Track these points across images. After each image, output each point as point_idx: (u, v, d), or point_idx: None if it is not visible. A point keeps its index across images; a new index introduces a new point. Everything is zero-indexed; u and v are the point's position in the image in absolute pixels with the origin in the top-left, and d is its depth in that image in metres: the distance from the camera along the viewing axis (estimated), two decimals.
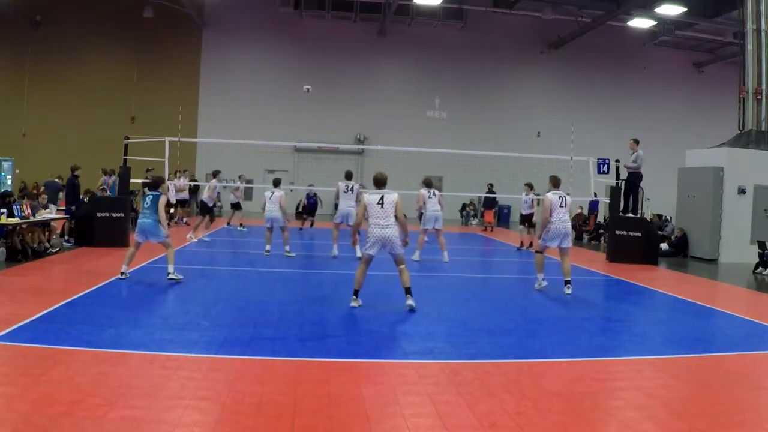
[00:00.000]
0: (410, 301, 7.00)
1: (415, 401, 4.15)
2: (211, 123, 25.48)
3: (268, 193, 11.89)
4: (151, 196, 8.58)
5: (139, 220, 8.62)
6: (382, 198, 7.09)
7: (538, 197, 14.17)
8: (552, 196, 8.73)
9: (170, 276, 8.35)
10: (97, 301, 6.87)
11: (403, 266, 7.14)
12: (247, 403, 3.96)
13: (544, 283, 8.95)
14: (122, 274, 8.36)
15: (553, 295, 9.01)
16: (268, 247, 11.75)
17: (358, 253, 10.04)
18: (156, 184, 8.90)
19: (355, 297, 7.16)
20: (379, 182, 7.27)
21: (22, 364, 4.57)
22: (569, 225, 8.91)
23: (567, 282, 8.74)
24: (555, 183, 8.99)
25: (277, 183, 12.25)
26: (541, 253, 9.01)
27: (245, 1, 25.70)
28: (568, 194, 8.97)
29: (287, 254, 11.58)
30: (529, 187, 14.60)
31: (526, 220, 14.69)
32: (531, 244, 14.15)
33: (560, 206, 8.68)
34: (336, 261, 11.26)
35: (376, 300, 7.60)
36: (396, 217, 7.09)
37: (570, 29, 25.66)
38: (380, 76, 27.44)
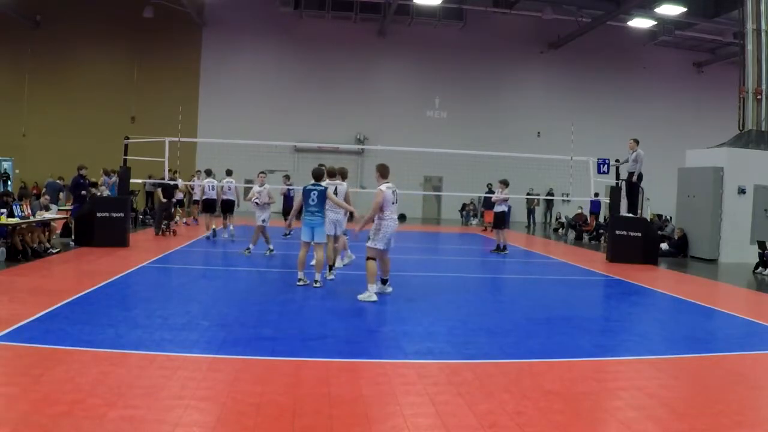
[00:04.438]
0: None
1: (415, 401, 4.15)
2: (211, 123, 25.49)
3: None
4: (316, 192, 8.15)
5: (305, 218, 8.22)
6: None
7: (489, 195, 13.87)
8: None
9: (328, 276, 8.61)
10: (97, 301, 6.87)
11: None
12: (247, 403, 3.95)
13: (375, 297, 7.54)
14: (300, 280, 8.38)
15: (553, 295, 9.02)
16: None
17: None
18: (318, 175, 8.36)
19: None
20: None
21: (22, 364, 4.56)
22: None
23: (387, 281, 8.06)
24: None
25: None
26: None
27: (245, 1, 25.71)
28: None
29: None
30: (504, 184, 14.21)
31: (501, 219, 14.42)
32: (504, 247, 14.05)
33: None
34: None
35: (375, 300, 7.60)
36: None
37: (570, 29, 25.67)
38: (380, 76, 27.45)
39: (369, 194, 25.97)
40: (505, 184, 14.22)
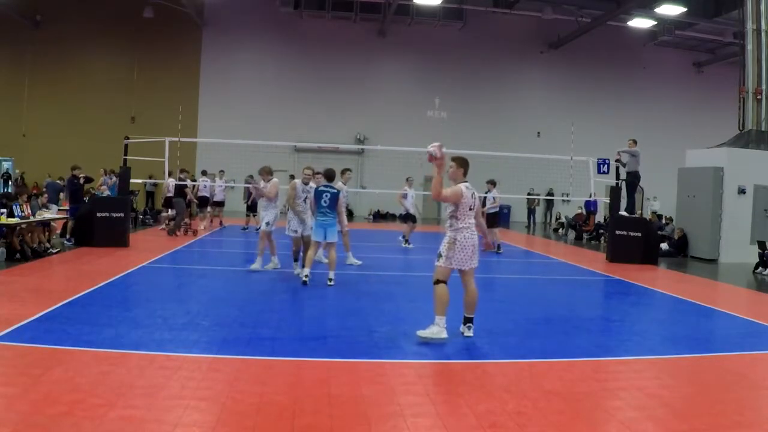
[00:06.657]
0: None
1: (415, 401, 4.15)
2: (211, 123, 25.49)
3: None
4: (329, 194, 8.37)
5: (317, 219, 8.41)
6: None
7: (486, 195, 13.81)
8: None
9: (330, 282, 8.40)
10: (97, 301, 6.86)
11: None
12: (247, 403, 3.95)
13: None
14: (305, 276, 8.42)
15: (553, 295, 9.02)
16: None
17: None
18: (330, 177, 8.62)
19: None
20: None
21: (22, 364, 4.56)
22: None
23: (470, 319, 5.91)
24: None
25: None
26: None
27: (245, 1, 25.71)
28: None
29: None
30: (492, 184, 14.23)
31: (493, 219, 14.33)
32: (498, 247, 14.02)
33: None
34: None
35: (375, 300, 7.60)
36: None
37: (570, 29, 25.66)
38: (380, 76, 27.43)
39: (370, 194, 25.85)
40: (493, 184, 14.26)
